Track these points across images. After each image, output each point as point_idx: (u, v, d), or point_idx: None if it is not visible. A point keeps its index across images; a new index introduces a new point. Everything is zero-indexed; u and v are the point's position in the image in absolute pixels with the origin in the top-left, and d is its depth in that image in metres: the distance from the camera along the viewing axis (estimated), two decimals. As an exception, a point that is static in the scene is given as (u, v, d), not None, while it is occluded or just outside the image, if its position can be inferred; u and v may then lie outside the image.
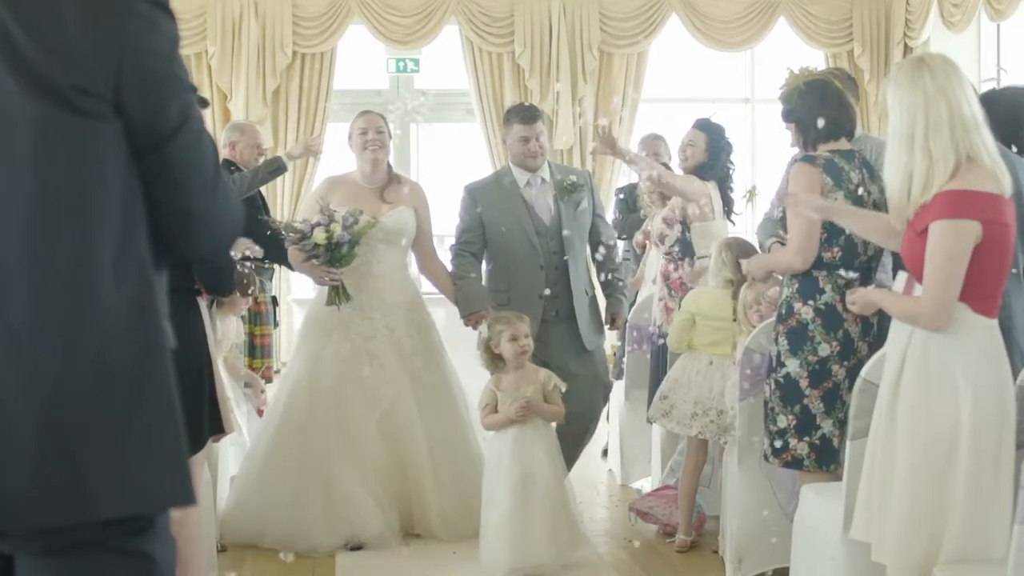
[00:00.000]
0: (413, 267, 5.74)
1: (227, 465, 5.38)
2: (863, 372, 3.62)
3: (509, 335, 4.70)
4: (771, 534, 4.43)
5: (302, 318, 5.65)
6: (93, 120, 1.83)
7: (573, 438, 5.37)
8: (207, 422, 3.66)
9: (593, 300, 5.49)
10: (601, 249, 5.55)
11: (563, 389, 4.77)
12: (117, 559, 1.86)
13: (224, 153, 6.86)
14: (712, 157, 5.78)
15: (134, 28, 1.85)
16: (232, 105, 10.82)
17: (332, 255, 5.13)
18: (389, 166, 5.54)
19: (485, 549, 4.61)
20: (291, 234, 5.17)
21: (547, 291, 5.29)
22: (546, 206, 5.40)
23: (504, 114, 5.68)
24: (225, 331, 5.61)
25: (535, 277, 5.32)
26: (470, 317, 5.31)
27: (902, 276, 3.46)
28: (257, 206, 6.48)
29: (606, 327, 5.65)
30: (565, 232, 5.34)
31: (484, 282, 5.45)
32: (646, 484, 6.11)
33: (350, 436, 5.16)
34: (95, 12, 1.83)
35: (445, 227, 6.37)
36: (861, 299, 3.61)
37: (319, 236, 5.08)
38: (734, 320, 4.97)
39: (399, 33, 10.95)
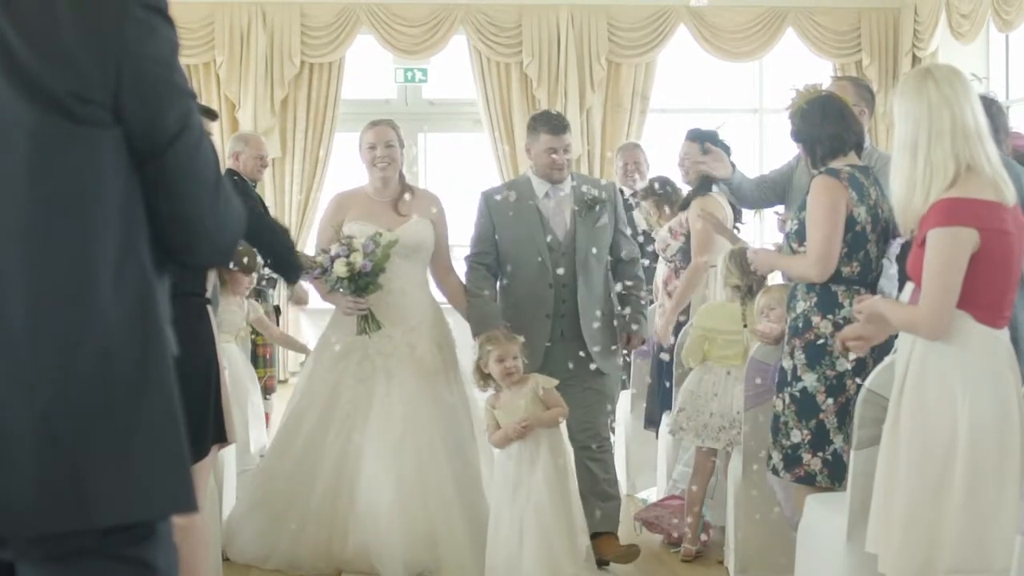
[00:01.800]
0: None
1: (232, 475, 5.37)
2: (867, 383, 3.61)
3: (496, 356, 4.61)
4: (775, 544, 4.42)
5: (318, 338, 5.40)
6: (92, 127, 1.82)
7: (583, 454, 5.07)
8: (210, 431, 3.66)
9: (609, 321, 5.14)
10: (620, 266, 5.22)
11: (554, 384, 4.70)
12: (118, 567, 1.85)
13: (228, 163, 6.90)
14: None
15: (132, 34, 1.84)
16: (240, 115, 10.85)
17: (356, 285, 4.93)
18: (402, 176, 5.32)
19: (490, 565, 4.55)
20: (312, 268, 4.99)
21: (552, 311, 5.02)
22: (562, 221, 5.10)
23: (530, 120, 5.30)
24: (228, 309, 5.62)
25: (543, 295, 5.03)
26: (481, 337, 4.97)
27: (909, 287, 3.45)
28: (259, 213, 6.48)
29: (624, 346, 5.31)
30: (576, 249, 5.04)
31: (498, 297, 5.18)
32: (651, 494, 6.10)
33: (362, 463, 4.93)
34: (93, 18, 1.82)
35: (454, 239, 6.29)
36: (868, 309, 3.60)
37: (340, 269, 4.88)
38: (745, 327, 4.97)
39: (407, 43, 10.96)
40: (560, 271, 5.03)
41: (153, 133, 1.87)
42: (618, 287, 5.21)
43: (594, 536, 4.91)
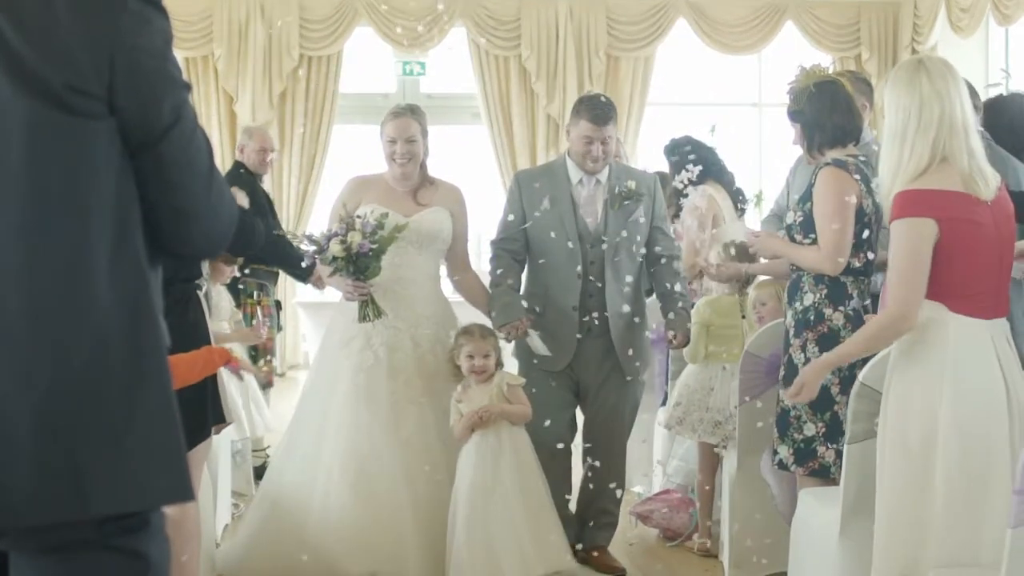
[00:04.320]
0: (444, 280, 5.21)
1: (227, 464, 5.36)
2: (860, 376, 3.60)
3: (467, 352, 4.50)
4: (769, 538, 4.43)
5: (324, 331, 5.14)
6: (87, 119, 1.84)
7: (595, 473, 4.91)
8: (209, 414, 3.68)
9: (638, 322, 4.93)
10: (658, 264, 4.95)
11: (522, 383, 4.60)
12: (111, 557, 1.87)
13: (235, 156, 6.97)
14: (685, 168, 5.80)
15: (126, 26, 1.85)
16: (238, 108, 10.85)
17: (356, 266, 4.60)
18: (423, 167, 5.01)
19: (453, 561, 4.38)
20: (310, 247, 4.66)
21: (578, 303, 4.80)
22: (594, 210, 4.86)
23: (576, 102, 4.99)
24: (219, 295, 5.57)
25: (571, 286, 4.81)
26: (504, 328, 4.77)
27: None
28: (264, 212, 6.47)
29: (668, 346, 5.06)
30: (606, 241, 4.82)
31: (523, 286, 4.95)
32: (647, 488, 6.11)
33: (375, 461, 4.61)
34: (87, 10, 1.84)
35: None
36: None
37: (335, 248, 4.56)
38: (743, 318, 4.97)
39: (405, 36, 10.96)
40: (590, 262, 4.83)
41: (147, 124, 1.88)
42: (656, 286, 4.99)
43: (587, 548, 4.88)
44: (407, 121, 4.89)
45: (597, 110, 4.80)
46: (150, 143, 1.89)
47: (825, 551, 3.69)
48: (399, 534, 4.54)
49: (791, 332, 4.10)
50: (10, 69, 1.80)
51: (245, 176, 6.73)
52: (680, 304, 4.93)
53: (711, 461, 5.12)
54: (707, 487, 5.13)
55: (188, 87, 1.96)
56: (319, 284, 5.24)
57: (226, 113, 10.88)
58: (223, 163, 9.38)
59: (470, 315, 5.07)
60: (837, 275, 3.99)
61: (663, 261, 4.96)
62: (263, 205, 6.65)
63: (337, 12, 10.97)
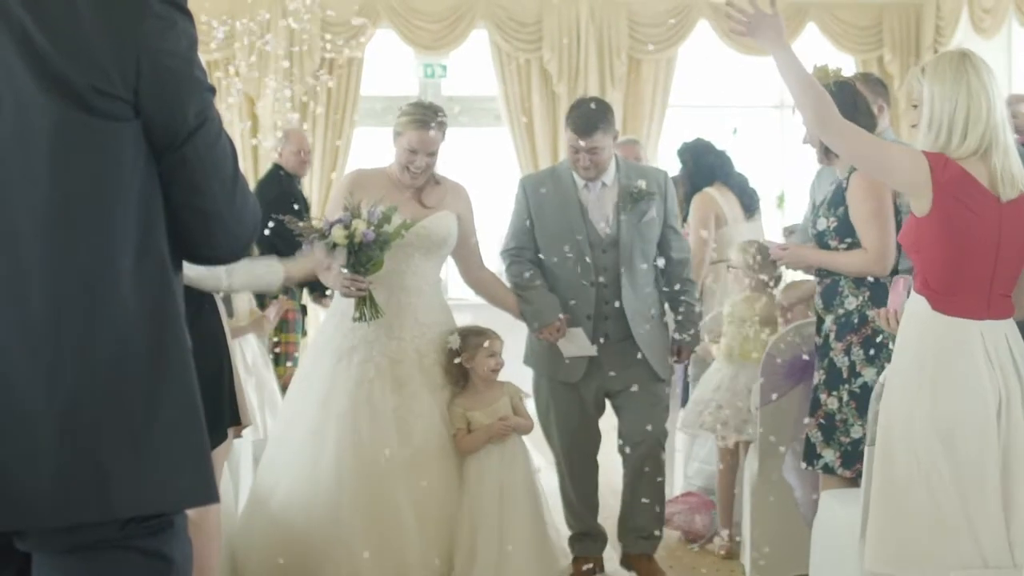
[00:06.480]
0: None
1: (248, 467, 5.37)
2: (881, 377, 3.60)
3: (489, 350, 4.43)
4: (790, 540, 4.42)
5: (317, 331, 4.91)
6: (112, 121, 1.85)
7: (634, 464, 4.86)
8: (227, 416, 3.69)
9: (659, 323, 4.86)
10: (669, 266, 4.85)
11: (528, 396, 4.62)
12: (135, 558, 1.88)
13: (273, 158, 7.02)
14: (690, 171, 5.77)
15: (151, 28, 1.86)
16: (260, 110, 10.87)
17: (357, 258, 4.31)
18: None
19: (461, 568, 4.34)
20: (310, 235, 4.37)
21: (593, 312, 4.73)
22: (604, 214, 4.76)
23: (567, 110, 4.90)
24: (238, 305, 5.58)
25: (584, 293, 4.71)
26: (542, 331, 4.71)
27: (899, 282, 3.52)
28: (297, 213, 6.44)
29: (671, 359, 4.95)
30: (620, 246, 4.73)
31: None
32: (668, 491, 6.09)
33: (371, 487, 4.35)
34: (112, 13, 1.85)
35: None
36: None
37: (338, 234, 4.28)
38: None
39: (426, 38, 10.97)
40: (604, 268, 4.72)
41: (172, 127, 1.89)
42: (668, 297, 4.89)
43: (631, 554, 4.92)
44: (434, 136, 4.61)
45: (580, 120, 4.70)
46: (175, 146, 1.90)
47: (846, 553, 3.68)
48: (407, 551, 4.35)
49: (832, 336, 4.05)
50: (36, 70, 1.81)
51: (285, 179, 6.75)
52: (690, 316, 4.86)
53: (732, 463, 5.11)
54: (726, 490, 5.13)
55: (213, 90, 1.97)
56: (322, 303, 5.06)
57: (248, 116, 10.89)
58: (244, 166, 9.37)
59: (468, 320, 4.92)
60: (877, 277, 4.00)
61: (676, 269, 4.87)
62: (295, 204, 6.63)
63: (358, 15, 10.97)
